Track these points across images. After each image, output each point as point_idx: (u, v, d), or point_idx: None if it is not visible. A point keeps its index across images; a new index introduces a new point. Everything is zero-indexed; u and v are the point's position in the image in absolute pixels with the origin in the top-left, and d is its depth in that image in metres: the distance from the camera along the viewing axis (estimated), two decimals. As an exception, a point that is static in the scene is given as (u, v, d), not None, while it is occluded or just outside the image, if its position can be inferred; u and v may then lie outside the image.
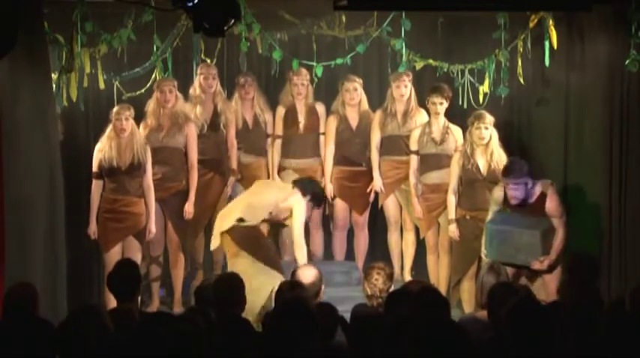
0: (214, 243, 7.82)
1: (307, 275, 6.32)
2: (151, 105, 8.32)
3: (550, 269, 7.49)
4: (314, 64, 8.70)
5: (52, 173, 6.98)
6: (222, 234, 7.69)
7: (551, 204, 7.54)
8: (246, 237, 7.66)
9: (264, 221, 7.84)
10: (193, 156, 8.29)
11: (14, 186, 6.59)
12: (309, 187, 7.93)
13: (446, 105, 8.43)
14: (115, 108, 8.01)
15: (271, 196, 7.82)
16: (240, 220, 7.63)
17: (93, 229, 7.98)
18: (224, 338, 4.87)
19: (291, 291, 5.68)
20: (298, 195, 7.81)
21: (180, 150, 8.30)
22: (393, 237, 8.83)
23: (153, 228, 8.04)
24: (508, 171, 7.61)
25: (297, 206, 7.80)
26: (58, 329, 4.36)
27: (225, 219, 7.75)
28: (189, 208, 8.24)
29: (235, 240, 7.63)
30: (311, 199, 7.89)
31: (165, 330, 4.04)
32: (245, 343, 4.71)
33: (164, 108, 8.26)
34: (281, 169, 8.77)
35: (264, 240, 7.87)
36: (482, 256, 7.81)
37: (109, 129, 7.97)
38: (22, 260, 6.61)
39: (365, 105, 8.72)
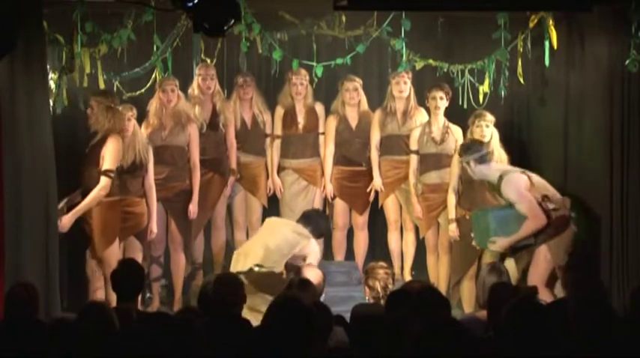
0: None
1: (313, 276, 6.33)
2: (153, 105, 8.34)
3: (510, 253, 7.68)
4: (314, 64, 8.69)
5: (46, 173, 6.97)
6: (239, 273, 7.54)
7: (505, 189, 7.61)
8: (266, 281, 7.51)
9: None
10: (196, 155, 8.30)
11: (12, 186, 6.58)
12: (314, 221, 7.92)
13: (446, 102, 8.44)
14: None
15: (286, 242, 7.69)
16: (259, 265, 7.56)
17: (94, 229, 7.99)
18: (224, 338, 4.87)
19: (300, 289, 5.70)
20: (312, 243, 7.78)
21: (184, 149, 8.31)
22: (393, 237, 8.82)
23: (154, 227, 8.04)
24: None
25: (312, 255, 7.79)
26: (71, 326, 4.41)
27: (241, 259, 7.67)
28: (193, 208, 8.23)
29: (254, 282, 7.45)
30: (312, 230, 7.88)
31: (162, 331, 4.05)
32: (245, 343, 4.70)
33: (166, 107, 8.27)
34: (280, 169, 8.78)
35: (283, 283, 7.76)
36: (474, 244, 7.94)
37: (111, 129, 7.98)
38: (17, 260, 6.60)
39: (365, 105, 8.72)
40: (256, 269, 7.51)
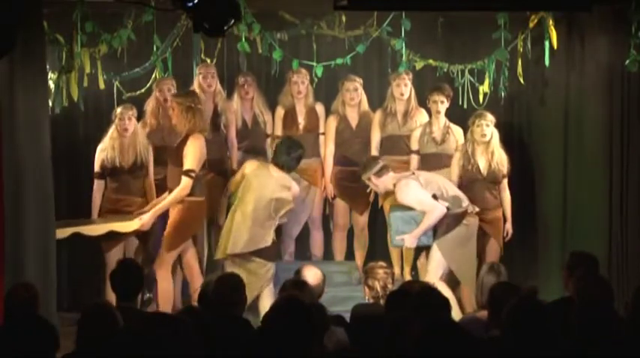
0: (218, 256, 7.92)
1: (312, 276, 6.32)
2: (150, 105, 8.34)
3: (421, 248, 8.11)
4: (314, 64, 8.70)
5: (43, 174, 6.96)
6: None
7: (399, 196, 7.93)
8: (260, 252, 7.78)
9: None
10: (194, 155, 8.28)
11: (11, 185, 6.57)
12: (288, 153, 7.93)
13: (447, 104, 8.45)
14: (118, 109, 8.02)
15: (270, 216, 7.77)
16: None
17: (94, 229, 7.97)
18: (224, 338, 4.87)
19: (295, 289, 5.70)
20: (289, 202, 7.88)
21: (182, 149, 8.31)
22: (393, 237, 8.82)
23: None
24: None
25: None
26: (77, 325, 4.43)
27: (229, 239, 7.77)
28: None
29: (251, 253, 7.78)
30: (298, 163, 8.00)
31: (162, 331, 4.05)
32: (245, 343, 4.71)
33: (163, 107, 8.27)
34: (281, 169, 8.77)
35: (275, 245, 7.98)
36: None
37: (111, 129, 7.98)
38: (17, 260, 6.58)
39: (365, 105, 8.72)
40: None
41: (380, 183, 8.11)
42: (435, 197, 7.84)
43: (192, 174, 7.55)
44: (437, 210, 7.79)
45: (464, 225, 7.88)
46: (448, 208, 7.83)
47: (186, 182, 7.55)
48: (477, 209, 8.00)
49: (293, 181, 7.96)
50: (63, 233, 7.60)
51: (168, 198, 7.65)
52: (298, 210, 8.61)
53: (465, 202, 7.93)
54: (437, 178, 8.04)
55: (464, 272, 7.87)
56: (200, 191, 7.70)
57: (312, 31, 8.79)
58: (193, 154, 7.58)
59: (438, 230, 7.86)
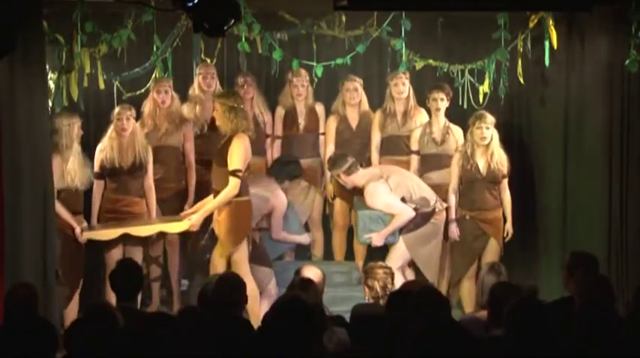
0: None
1: (312, 276, 6.32)
2: (147, 106, 8.34)
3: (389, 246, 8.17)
4: (314, 64, 8.70)
5: (44, 173, 6.96)
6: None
7: (368, 201, 8.11)
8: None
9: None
10: (191, 155, 8.30)
11: (11, 186, 6.57)
12: (283, 167, 8.17)
13: (447, 103, 8.45)
14: (117, 109, 8.01)
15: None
16: None
17: (94, 229, 7.97)
18: (224, 338, 4.87)
19: (302, 289, 5.70)
20: (277, 195, 8.06)
21: (179, 150, 8.31)
22: (392, 237, 8.82)
23: (153, 228, 8.03)
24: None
25: (277, 209, 8.14)
26: (75, 326, 4.43)
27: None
28: (189, 208, 8.20)
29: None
30: (288, 178, 8.23)
31: (162, 331, 4.05)
32: (246, 343, 4.70)
33: (160, 108, 8.28)
34: (281, 169, 8.77)
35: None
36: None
37: (110, 130, 7.98)
38: (17, 260, 6.58)
39: (365, 105, 8.72)
40: None
41: (349, 181, 8.26)
42: (403, 200, 8.03)
43: (239, 174, 7.47)
44: (405, 214, 8.01)
45: (431, 223, 8.11)
46: (417, 209, 8.03)
47: (234, 182, 7.46)
48: (446, 205, 8.17)
49: (281, 193, 8.11)
50: (112, 233, 7.72)
51: (217, 199, 7.54)
52: (298, 210, 8.63)
53: (433, 200, 8.11)
54: (406, 181, 8.18)
55: (428, 268, 8.12)
56: (245, 190, 7.62)
57: (312, 31, 8.79)
58: (238, 154, 7.48)
59: (406, 226, 8.08)
